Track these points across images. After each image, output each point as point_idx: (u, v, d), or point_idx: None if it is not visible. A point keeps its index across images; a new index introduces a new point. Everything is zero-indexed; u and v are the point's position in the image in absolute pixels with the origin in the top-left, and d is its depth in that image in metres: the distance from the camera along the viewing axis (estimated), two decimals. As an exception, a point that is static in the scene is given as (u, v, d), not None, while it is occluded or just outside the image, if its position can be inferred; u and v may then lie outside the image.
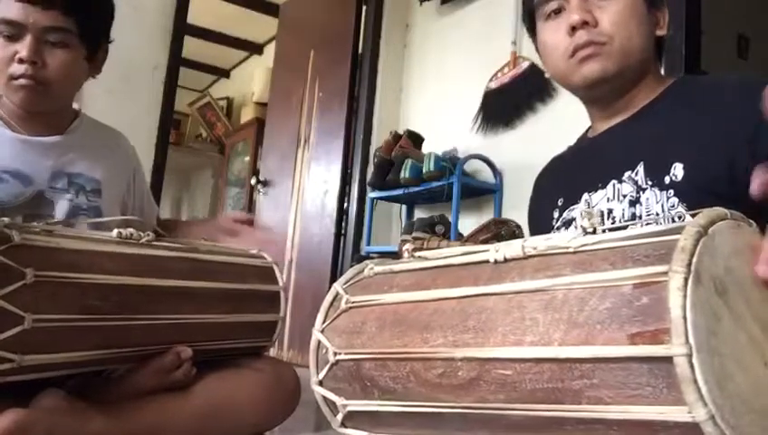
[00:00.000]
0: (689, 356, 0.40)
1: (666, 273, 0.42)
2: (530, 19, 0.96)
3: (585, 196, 0.91)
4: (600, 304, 0.46)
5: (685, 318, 0.41)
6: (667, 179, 0.80)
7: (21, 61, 1.00)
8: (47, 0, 1.00)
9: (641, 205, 0.82)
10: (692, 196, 0.77)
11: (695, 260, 0.42)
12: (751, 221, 0.51)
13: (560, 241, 0.53)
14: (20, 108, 1.06)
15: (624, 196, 0.84)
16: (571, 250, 0.51)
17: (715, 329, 0.42)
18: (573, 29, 0.85)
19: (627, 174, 0.85)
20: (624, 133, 0.89)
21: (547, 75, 0.98)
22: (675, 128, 0.83)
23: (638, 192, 0.83)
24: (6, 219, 0.76)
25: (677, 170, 0.79)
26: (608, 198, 0.87)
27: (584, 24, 0.85)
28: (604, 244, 0.50)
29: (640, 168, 0.84)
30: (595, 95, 0.91)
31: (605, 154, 0.91)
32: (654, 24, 0.89)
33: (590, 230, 0.52)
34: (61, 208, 1.07)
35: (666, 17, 0.91)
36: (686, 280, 0.41)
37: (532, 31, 0.97)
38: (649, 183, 0.82)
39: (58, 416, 0.77)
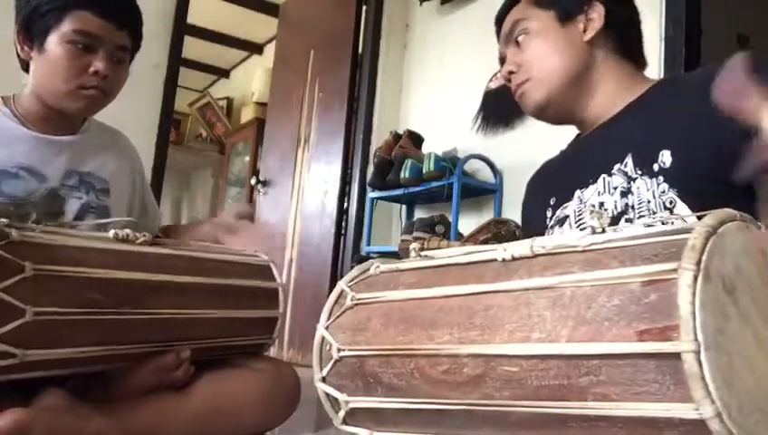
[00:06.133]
0: (697, 353, 0.40)
1: (675, 270, 0.42)
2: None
3: (577, 192, 0.92)
4: (609, 302, 0.46)
5: (694, 315, 0.41)
6: (655, 167, 0.81)
7: (96, 73, 1.05)
8: (122, 20, 1.08)
9: (633, 195, 0.83)
10: (681, 180, 0.78)
11: (704, 258, 0.42)
12: (759, 223, 0.51)
13: (568, 240, 0.53)
14: (75, 113, 1.11)
15: (615, 188, 0.85)
16: (579, 249, 0.51)
17: (723, 327, 0.42)
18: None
19: (616, 166, 0.86)
20: (611, 130, 0.91)
21: None
22: (660, 118, 0.84)
23: (628, 183, 0.84)
24: (5, 220, 0.77)
25: (665, 157, 0.80)
26: (599, 192, 0.88)
27: (510, 73, 0.96)
28: (613, 242, 0.50)
29: (629, 159, 0.85)
30: (551, 120, 0.98)
31: (593, 151, 0.93)
32: (577, 32, 0.92)
33: (599, 230, 0.52)
34: (72, 206, 1.10)
35: (592, 15, 0.91)
36: (695, 278, 0.41)
37: None
38: (639, 172, 0.83)
39: (58, 416, 0.77)
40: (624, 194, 0.84)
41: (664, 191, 0.79)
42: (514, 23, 0.96)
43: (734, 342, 0.43)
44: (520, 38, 0.95)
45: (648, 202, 0.80)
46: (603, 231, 0.52)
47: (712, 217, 0.46)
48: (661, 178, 0.80)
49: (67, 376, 0.83)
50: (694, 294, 0.41)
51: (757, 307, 0.46)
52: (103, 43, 1.05)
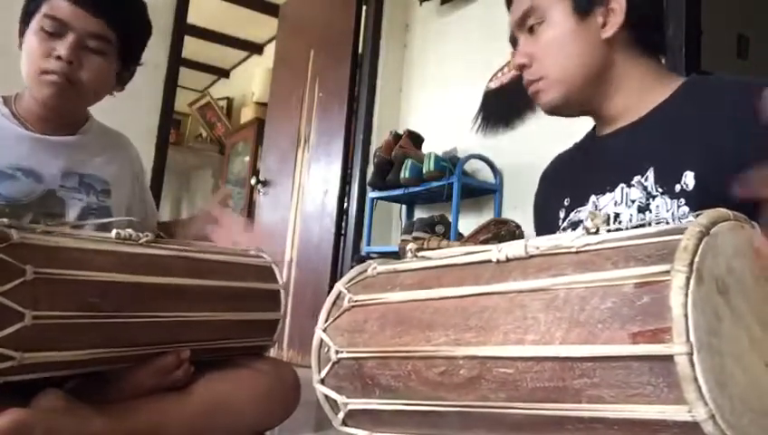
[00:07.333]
0: (690, 355, 0.41)
1: (668, 272, 0.43)
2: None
3: (593, 198, 0.89)
4: (602, 304, 0.46)
5: (686, 317, 0.41)
6: (677, 187, 0.78)
7: (58, 58, 1.01)
8: (96, 7, 1.03)
9: (651, 212, 0.80)
10: (703, 205, 0.74)
11: (697, 260, 0.43)
12: (753, 223, 0.51)
13: (562, 241, 0.53)
14: (43, 103, 1.06)
15: (633, 201, 0.83)
16: (573, 250, 0.51)
17: (716, 328, 0.43)
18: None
19: (636, 179, 0.83)
20: (633, 136, 0.87)
21: None
22: (685, 134, 0.81)
23: (647, 199, 0.81)
24: (6, 220, 0.76)
25: (688, 179, 0.77)
26: (615, 202, 0.85)
27: (522, 66, 0.90)
28: (606, 244, 0.50)
29: (650, 173, 0.82)
30: (567, 116, 0.93)
31: (614, 156, 0.89)
32: (595, 28, 0.85)
33: (593, 230, 0.52)
34: (72, 208, 1.09)
35: (611, 10, 0.85)
36: (687, 279, 0.42)
37: None
38: (659, 190, 0.80)
39: (57, 416, 0.77)
40: (642, 209, 0.81)
41: (684, 214, 0.76)
42: (529, 8, 0.89)
43: (726, 342, 0.43)
44: (534, 26, 0.89)
45: (667, 223, 0.77)
46: (597, 232, 0.52)
47: (705, 216, 0.46)
48: (683, 200, 0.77)
49: (66, 377, 0.83)
50: (686, 296, 0.41)
51: (750, 308, 0.47)
52: (72, 29, 1.02)
